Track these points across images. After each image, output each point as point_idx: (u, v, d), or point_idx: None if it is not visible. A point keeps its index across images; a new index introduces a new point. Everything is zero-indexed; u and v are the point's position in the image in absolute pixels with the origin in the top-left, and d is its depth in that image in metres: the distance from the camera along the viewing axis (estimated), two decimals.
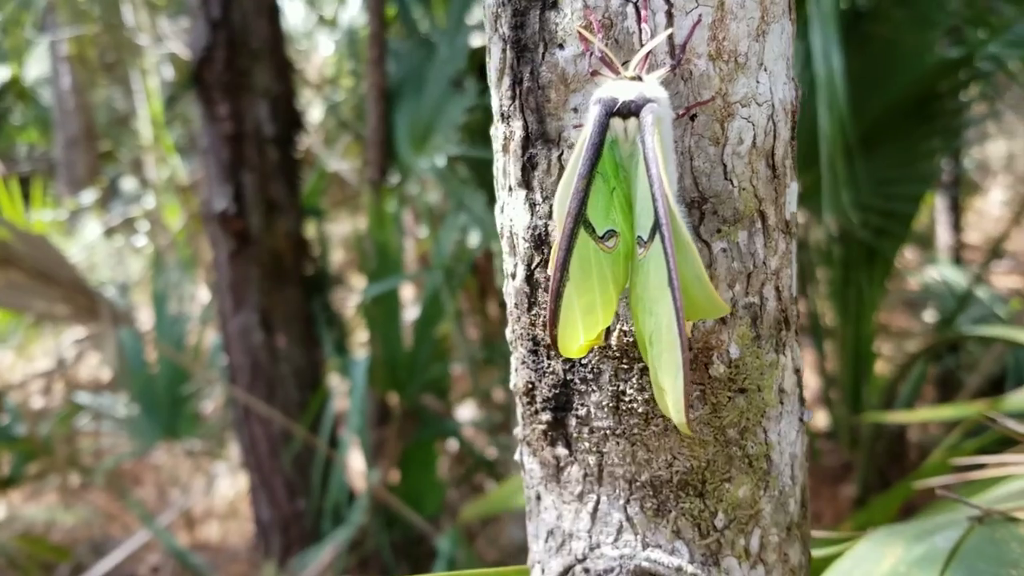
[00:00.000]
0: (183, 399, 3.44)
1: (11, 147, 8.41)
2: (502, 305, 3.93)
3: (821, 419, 4.08)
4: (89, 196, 5.85)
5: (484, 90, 3.58)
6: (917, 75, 2.58)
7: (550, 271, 0.58)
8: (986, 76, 2.96)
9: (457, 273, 3.29)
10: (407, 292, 3.50)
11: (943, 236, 5.13)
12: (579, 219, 0.53)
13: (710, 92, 0.56)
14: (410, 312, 3.62)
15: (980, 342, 3.65)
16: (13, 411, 3.36)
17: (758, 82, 0.57)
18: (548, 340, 0.60)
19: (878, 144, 2.65)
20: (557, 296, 0.53)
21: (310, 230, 3.42)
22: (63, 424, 3.33)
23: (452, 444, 3.63)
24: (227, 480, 4.21)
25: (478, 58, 3.64)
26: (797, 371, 0.64)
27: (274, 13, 3.10)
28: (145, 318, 4.59)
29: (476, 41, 3.60)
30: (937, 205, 5.13)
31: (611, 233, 0.54)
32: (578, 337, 0.55)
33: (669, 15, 0.54)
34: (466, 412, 4.36)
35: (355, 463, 3.46)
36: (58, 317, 2.86)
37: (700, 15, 0.54)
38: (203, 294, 4.37)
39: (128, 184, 6.86)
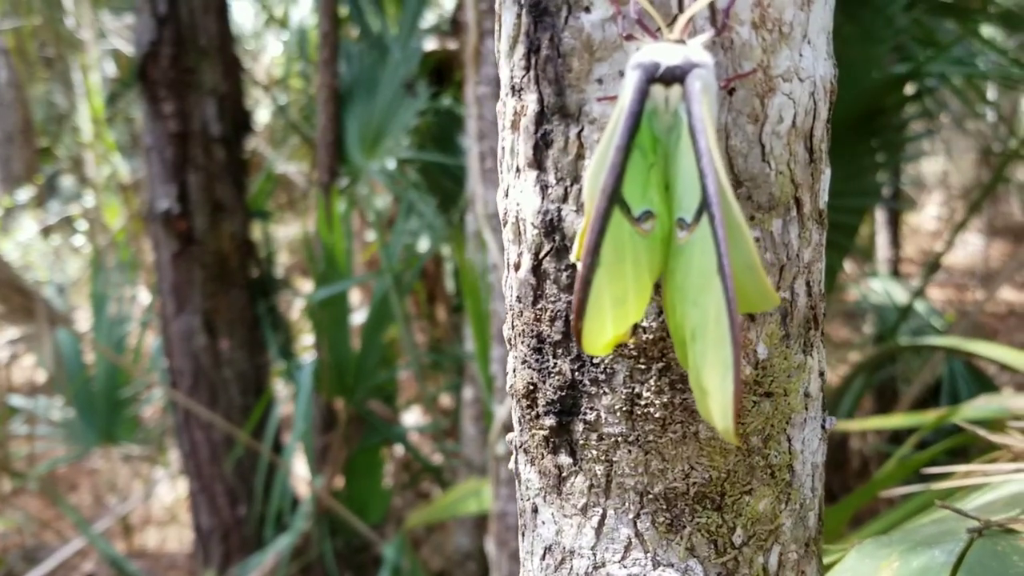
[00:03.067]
0: (121, 403, 3.33)
1: None
2: (452, 310, 3.87)
3: None
4: (25, 193, 5.69)
5: (436, 94, 3.53)
6: (864, 89, 2.58)
7: (573, 257, 0.52)
8: (930, 92, 2.99)
9: (406, 278, 3.24)
10: (353, 296, 3.44)
11: (883, 249, 5.20)
12: (614, 197, 0.46)
13: (752, 64, 0.51)
14: (356, 316, 3.56)
15: (915, 353, 3.68)
16: None
17: (801, 55, 0.52)
18: (555, 337, 0.55)
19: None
20: (586, 284, 0.46)
21: (256, 232, 3.35)
22: None
23: (398, 450, 3.57)
24: (166, 486, 4.11)
25: (431, 62, 3.59)
26: (822, 374, 0.59)
27: (223, 10, 3.03)
28: (83, 320, 4.46)
29: (429, 45, 3.55)
30: (877, 219, 5.20)
31: (648, 214, 0.48)
32: (606, 331, 0.48)
33: None
34: (411, 418, 4.30)
35: (299, 469, 3.38)
36: None
37: None
38: (143, 296, 4.26)
39: (67, 182, 6.70)
